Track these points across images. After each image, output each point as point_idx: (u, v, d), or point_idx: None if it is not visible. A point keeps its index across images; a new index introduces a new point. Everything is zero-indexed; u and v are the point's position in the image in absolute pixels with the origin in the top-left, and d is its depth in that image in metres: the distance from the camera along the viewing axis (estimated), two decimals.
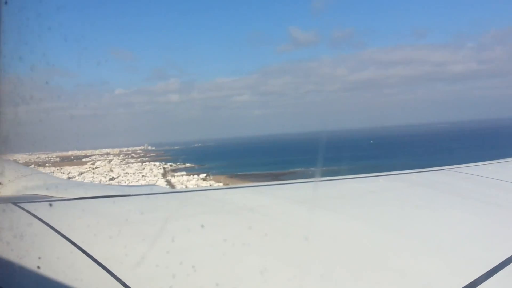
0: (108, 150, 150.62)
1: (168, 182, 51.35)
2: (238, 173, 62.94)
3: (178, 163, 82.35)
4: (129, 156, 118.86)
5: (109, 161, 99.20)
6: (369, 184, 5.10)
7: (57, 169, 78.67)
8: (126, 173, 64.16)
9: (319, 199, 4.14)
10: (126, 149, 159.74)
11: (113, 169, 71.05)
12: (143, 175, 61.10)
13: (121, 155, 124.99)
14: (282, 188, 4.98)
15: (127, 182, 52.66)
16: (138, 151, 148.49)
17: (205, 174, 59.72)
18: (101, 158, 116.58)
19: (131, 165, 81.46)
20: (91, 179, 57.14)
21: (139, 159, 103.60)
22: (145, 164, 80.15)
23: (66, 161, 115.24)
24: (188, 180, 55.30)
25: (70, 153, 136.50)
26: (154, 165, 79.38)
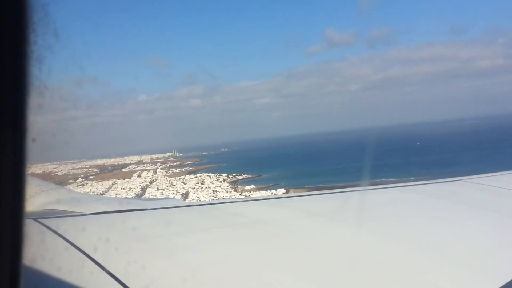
0: (137, 158, 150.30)
1: None
2: (317, 185, 60.43)
3: (235, 174, 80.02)
4: (168, 165, 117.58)
5: (154, 172, 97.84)
6: (384, 195, 5.09)
7: (113, 183, 77.23)
8: (193, 188, 62.32)
9: (333, 212, 4.20)
10: (155, 156, 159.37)
11: (174, 183, 69.30)
12: (213, 190, 59.13)
13: (158, 163, 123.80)
14: (297, 200, 5.05)
15: (201, 199, 50.83)
16: (171, 158, 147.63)
17: (283, 188, 57.52)
18: (140, 167, 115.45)
19: (186, 176, 79.66)
20: (160, 195, 55.35)
21: (183, 169, 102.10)
22: (200, 176, 78.29)
23: (106, 172, 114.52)
24: None
25: (99, 161, 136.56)
26: (209, 176, 77.45)
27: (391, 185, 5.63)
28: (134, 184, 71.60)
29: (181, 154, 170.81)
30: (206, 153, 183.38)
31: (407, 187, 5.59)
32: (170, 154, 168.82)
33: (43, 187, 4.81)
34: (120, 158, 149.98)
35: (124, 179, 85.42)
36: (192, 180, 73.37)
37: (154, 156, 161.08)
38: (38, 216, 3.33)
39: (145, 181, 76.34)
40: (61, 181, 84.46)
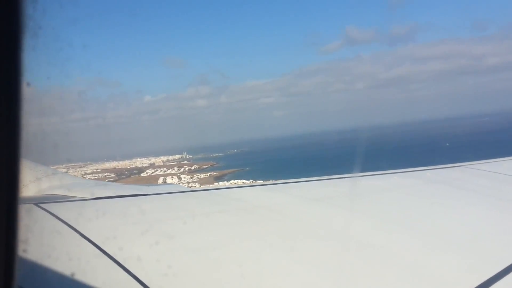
0: (147, 160, 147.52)
1: None
2: None
3: (271, 181, 77.53)
4: (186, 169, 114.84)
5: (178, 177, 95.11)
6: (384, 181, 5.18)
7: None
8: None
9: (333, 198, 4.21)
10: (165, 158, 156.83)
11: None
12: None
13: (174, 167, 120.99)
14: (297, 186, 5.17)
15: None
16: (185, 161, 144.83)
17: None
18: (158, 171, 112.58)
19: (220, 184, 76.91)
20: None
21: (207, 173, 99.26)
22: (235, 183, 75.60)
23: (124, 177, 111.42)
24: None
25: (107, 165, 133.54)
26: (243, 183, 74.84)
27: (391, 171, 5.66)
28: None
29: (190, 156, 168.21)
30: (217, 154, 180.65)
31: (407, 173, 5.56)
32: (180, 156, 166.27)
33: (44, 172, 4.74)
34: (129, 161, 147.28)
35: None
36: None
37: (164, 158, 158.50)
38: (39, 201, 3.33)
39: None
40: None
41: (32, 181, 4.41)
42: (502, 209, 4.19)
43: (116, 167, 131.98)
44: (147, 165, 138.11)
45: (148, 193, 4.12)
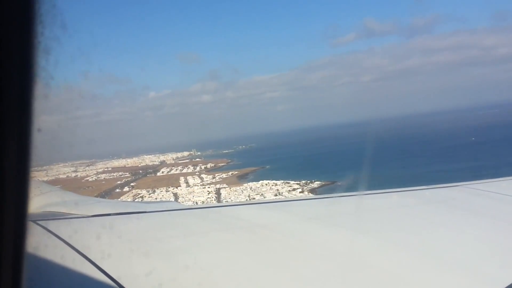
0: (156, 158, 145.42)
1: None
2: None
3: (305, 181, 75.06)
4: (203, 167, 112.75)
5: (199, 177, 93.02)
6: (382, 200, 5.25)
7: (175, 196, 72.28)
8: None
9: (332, 216, 4.25)
10: (175, 155, 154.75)
11: (250, 195, 64.42)
12: None
13: (189, 165, 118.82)
14: (296, 204, 5.35)
15: None
16: (197, 159, 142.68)
17: None
18: (174, 170, 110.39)
19: (251, 185, 74.75)
20: None
21: (229, 173, 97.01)
22: (266, 184, 73.43)
23: (141, 176, 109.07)
24: None
25: (116, 163, 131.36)
26: (275, 183, 72.66)
27: (390, 190, 5.67)
28: (202, 196, 66.63)
29: (199, 153, 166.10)
30: (226, 151, 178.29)
31: (405, 192, 5.64)
32: (189, 153, 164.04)
33: (42, 189, 4.77)
34: (137, 158, 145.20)
35: (176, 187, 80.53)
36: (261, 189, 68.51)
37: (173, 155, 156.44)
38: (37, 218, 3.34)
39: (209, 192, 71.22)
40: (106, 190, 79.59)
41: (31, 198, 3.39)
42: (499, 229, 4.18)
43: (126, 165, 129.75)
44: (157, 163, 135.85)
45: (147, 210, 4.16)
